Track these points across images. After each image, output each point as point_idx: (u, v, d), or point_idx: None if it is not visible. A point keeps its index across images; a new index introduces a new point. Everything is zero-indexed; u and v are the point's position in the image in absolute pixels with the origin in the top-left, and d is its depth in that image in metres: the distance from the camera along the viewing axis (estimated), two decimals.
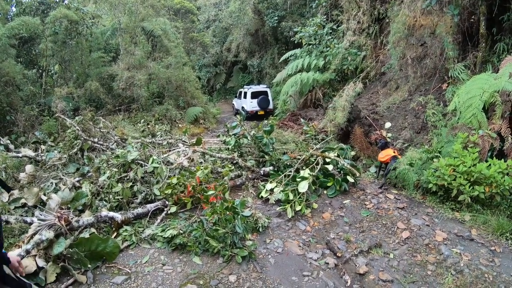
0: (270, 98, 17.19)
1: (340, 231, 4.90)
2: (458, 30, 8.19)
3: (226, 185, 5.47)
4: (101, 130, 8.44)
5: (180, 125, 13.86)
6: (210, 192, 4.95)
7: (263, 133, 6.51)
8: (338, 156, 6.45)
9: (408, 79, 9.83)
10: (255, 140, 6.55)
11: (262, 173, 6.44)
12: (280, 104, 14.63)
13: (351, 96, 9.44)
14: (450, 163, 5.43)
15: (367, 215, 5.33)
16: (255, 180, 6.44)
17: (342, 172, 6.28)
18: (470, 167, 5.25)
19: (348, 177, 6.13)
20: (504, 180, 5.05)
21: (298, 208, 5.20)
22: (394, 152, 6.84)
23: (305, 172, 5.74)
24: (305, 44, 13.92)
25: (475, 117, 5.89)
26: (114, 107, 14.18)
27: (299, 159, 6.52)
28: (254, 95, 17.16)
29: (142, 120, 11.44)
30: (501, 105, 5.79)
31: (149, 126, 10.88)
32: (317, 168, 6.16)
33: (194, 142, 6.85)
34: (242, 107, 17.97)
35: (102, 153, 7.50)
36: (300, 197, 5.41)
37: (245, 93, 17.70)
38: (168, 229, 4.28)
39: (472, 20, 7.90)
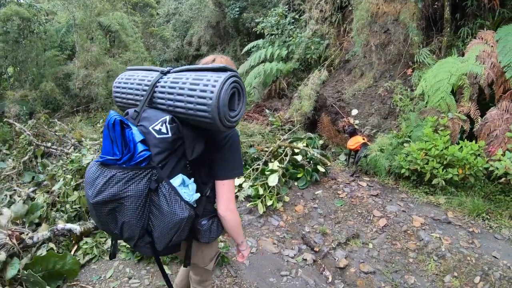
0: None
1: (315, 224, 4.64)
2: (421, 16, 8.18)
3: None
4: (57, 134, 7.73)
5: None
6: None
7: None
8: (306, 146, 6.19)
9: (372, 65, 9.76)
10: None
11: None
12: None
13: (316, 84, 9.23)
14: (422, 147, 5.30)
15: (341, 205, 5.11)
16: None
17: (312, 162, 6.02)
18: (442, 150, 5.15)
19: (319, 167, 5.89)
20: (477, 161, 4.99)
21: (269, 203, 4.87)
22: (364, 139, 6.70)
23: (274, 165, 5.41)
24: (267, 35, 13.63)
25: (444, 100, 5.80)
26: (72, 108, 13.29)
27: (266, 151, 6.21)
28: None
29: (101, 120, 10.68)
30: (469, 88, 5.74)
31: None
32: (286, 159, 5.85)
33: None
34: None
35: (59, 158, 6.85)
36: (270, 191, 5.09)
37: None
38: None
39: (435, 6, 7.89)
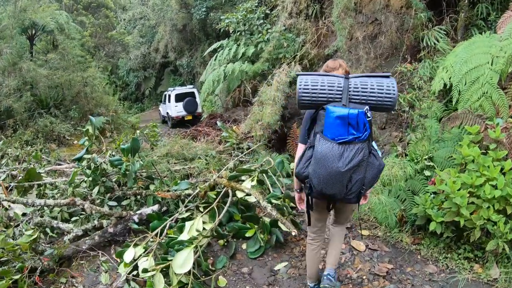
0: (198, 100, 14.51)
1: None
2: None
3: (22, 275, 2.54)
4: None
5: (75, 142, 10.62)
6: None
7: (122, 153, 3.61)
8: (259, 182, 3.70)
9: (359, 61, 7.59)
10: (112, 166, 3.68)
11: (136, 220, 3.60)
12: (206, 105, 11.90)
13: (284, 83, 6.55)
14: (464, 181, 2.94)
15: None
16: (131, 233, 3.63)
17: (273, 207, 3.51)
18: (502, 188, 2.79)
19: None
20: None
21: None
22: None
23: (195, 224, 2.90)
24: (232, 32, 11.38)
25: (488, 98, 3.48)
26: None
27: (204, 187, 3.76)
28: (179, 97, 14.46)
29: (1, 142, 8.09)
30: None
31: (10, 150, 7.53)
32: (224, 206, 3.39)
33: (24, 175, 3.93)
34: (167, 113, 15.24)
35: None
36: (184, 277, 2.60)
37: (169, 96, 14.94)
38: None
39: None
